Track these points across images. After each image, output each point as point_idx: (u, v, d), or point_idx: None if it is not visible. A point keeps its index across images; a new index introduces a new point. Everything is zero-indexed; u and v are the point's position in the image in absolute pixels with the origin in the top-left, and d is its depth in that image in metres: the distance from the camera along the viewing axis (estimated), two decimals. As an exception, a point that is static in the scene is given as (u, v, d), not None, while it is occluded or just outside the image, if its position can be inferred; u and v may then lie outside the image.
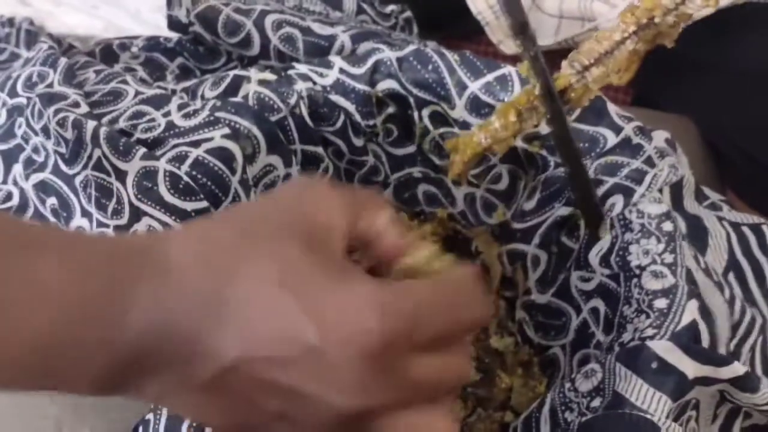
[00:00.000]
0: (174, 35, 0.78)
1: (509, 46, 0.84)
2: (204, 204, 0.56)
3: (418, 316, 0.34)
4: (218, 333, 0.32)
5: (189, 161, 0.57)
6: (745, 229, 0.70)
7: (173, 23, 0.76)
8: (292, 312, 0.32)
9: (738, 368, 0.52)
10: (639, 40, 0.54)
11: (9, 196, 0.67)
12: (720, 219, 0.71)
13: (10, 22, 0.84)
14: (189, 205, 0.55)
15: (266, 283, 0.33)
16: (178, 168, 0.56)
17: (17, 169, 0.67)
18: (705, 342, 0.55)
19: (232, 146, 0.59)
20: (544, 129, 0.65)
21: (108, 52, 0.79)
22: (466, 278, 0.37)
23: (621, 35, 0.55)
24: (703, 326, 0.55)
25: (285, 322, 0.32)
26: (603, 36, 0.56)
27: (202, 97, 0.66)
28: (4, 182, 0.68)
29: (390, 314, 0.33)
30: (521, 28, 0.55)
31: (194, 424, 0.46)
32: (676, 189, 0.67)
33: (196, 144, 0.59)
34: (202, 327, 0.32)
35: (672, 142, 0.66)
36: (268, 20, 0.70)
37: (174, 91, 0.67)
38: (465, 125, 0.68)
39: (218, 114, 0.61)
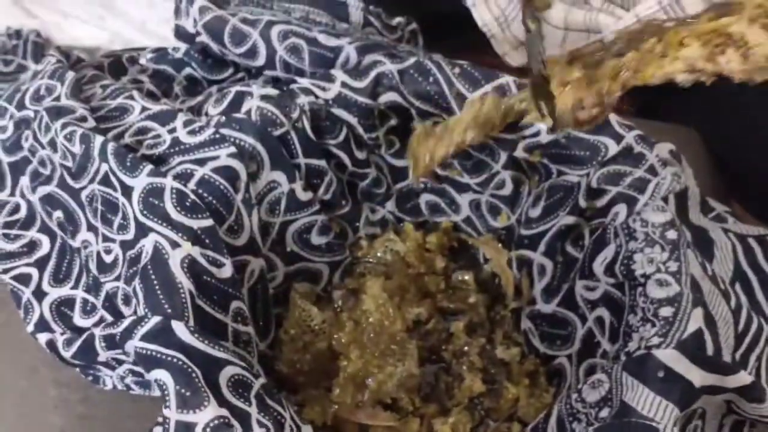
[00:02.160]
0: (182, 46, 0.78)
1: (514, 58, 0.84)
2: (209, 222, 0.56)
3: None
4: None
5: (195, 179, 0.58)
6: (751, 241, 0.70)
7: (180, 33, 0.77)
8: None
9: (744, 377, 0.52)
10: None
11: (17, 209, 0.68)
12: (725, 231, 0.71)
13: (18, 34, 0.84)
14: (195, 223, 0.55)
15: None
16: (185, 185, 0.57)
17: (24, 181, 0.68)
18: (709, 350, 0.55)
19: (237, 165, 0.59)
20: (545, 138, 0.65)
21: (116, 66, 0.79)
22: None
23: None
24: (707, 334, 0.55)
25: None
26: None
27: (206, 114, 0.67)
28: (12, 194, 0.68)
29: None
30: None
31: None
32: (681, 200, 0.66)
33: (202, 162, 0.59)
34: None
35: (677, 153, 0.66)
36: (275, 31, 0.70)
37: (179, 109, 0.67)
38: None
39: (223, 131, 0.61)
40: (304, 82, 0.66)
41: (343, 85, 0.66)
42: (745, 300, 0.66)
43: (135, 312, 0.54)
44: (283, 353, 0.62)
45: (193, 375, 0.48)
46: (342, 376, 0.60)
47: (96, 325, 0.59)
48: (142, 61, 0.79)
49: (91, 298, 0.62)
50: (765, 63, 0.45)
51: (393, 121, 0.68)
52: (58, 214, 0.64)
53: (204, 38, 0.74)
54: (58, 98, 0.66)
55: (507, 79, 0.65)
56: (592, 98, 0.51)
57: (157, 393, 0.59)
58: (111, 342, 0.53)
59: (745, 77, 0.45)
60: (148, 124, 0.63)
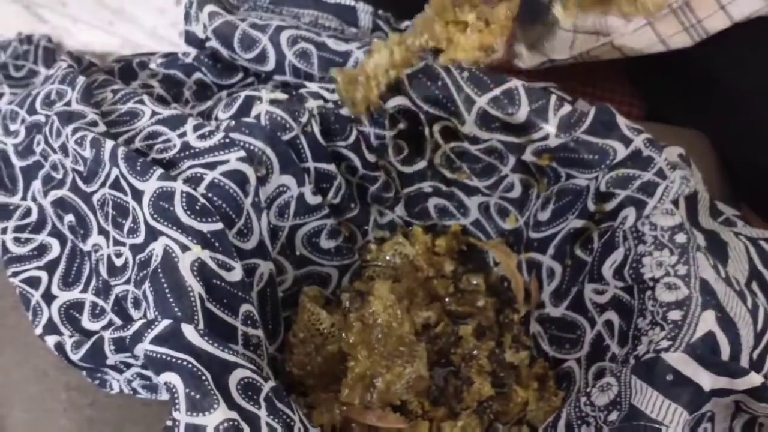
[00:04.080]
0: (192, 51, 0.79)
1: (523, 60, 0.84)
2: (219, 225, 0.56)
3: None
4: None
5: (205, 183, 0.58)
6: (763, 243, 0.70)
7: (190, 38, 0.77)
8: None
9: (755, 379, 0.52)
10: None
11: (28, 212, 0.68)
12: (736, 234, 0.70)
13: (29, 39, 0.85)
14: (205, 227, 0.56)
15: None
16: (195, 189, 0.57)
17: (36, 185, 0.68)
18: (725, 352, 0.55)
19: (246, 169, 0.60)
20: (553, 142, 0.65)
21: (127, 70, 0.80)
22: None
23: None
24: (722, 336, 0.55)
25: None
26: None
27: (216, 118, 0.67)
28: (24, 198, 0.69)
29: None
30: None
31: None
32: (691, 203, 0.66)
33: (211, 166, 0.59)
34: None
35: (686, 157, 0.66)
36: (284, 36, 0.70)
37: (189, 114, 0.67)
38: (475, 140, 0.68)
39: (233, 135, 0.61)
40: (313, 86, 0.66)
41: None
42: (762, 299, 0.66)
43: (145, 315, 0.54)
44: (294, 355, 0.63)
45: (203, 378, 0.48)
46: (350, 376, 0.60)
47: (105, 328, 0.59)
48: (153, 65, 0.80)
49: (100, 302, 0.62)
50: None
51: (402, 125, 0.68)
52: (69, 218, 0.64)
53: (214, 43, 0.74)
54: (68, 103, 0.67)
55: (516, 84, 0.65)
56: (496, 39, 0.54)
57: (164, 397, 0.59)
58: (120, 345, 0.53)
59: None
60: (159, 129, 0.64)
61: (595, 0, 0.54)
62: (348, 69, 0.65)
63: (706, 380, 0.52)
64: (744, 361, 0.57)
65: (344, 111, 0.65)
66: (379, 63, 0.61)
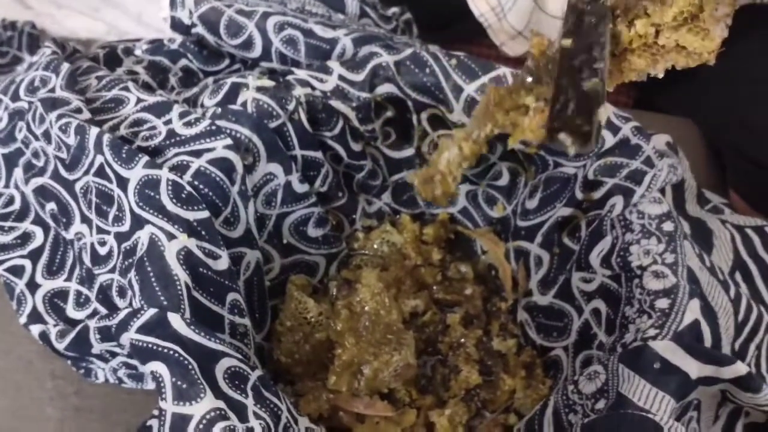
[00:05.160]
0: (177, 37, 0.78)
1: (511, 47, 0.84)
2: (206, 214, 0.56)
3: None
4: None
5: (191, 171, 0.58)
6: (749, 231, 0.70)
7: (176, 24, 0.76)
8: None
9: (740, 368, 0.52)
10: None
11: (11, 201, 0.67)
12: (723, 222, 0.71)
13: (12, 25, 0.84)
14: (191, 215, 0.55)
15: None
16: (181, 177, 0.56)
17: (18, 173, 0.68)
18: (707, 341, 0.55)
19: (233, 157, 0.59)
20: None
21: (112, 57, 0.79)
22: None
23: None
24: (705, 325, 0.55)
25: None
26: None
27: (202, 105, 0.66)
28: (6, 186, 0.68)
29: None
30: None
31: (200, 428, 0.47)
32: (678, 191, 0.67)
33: (197, 153, 0.59)
34: None
35: (673, 145, 0.66)
36: (270, 22, 0.70)
37: (175, 101, 0.67)
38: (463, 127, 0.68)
39: (219, 123, 0.61)
40: (301, 73, 0.66)
41: (341, 78, 0.65)
42: (746, 289, 0.66)
43: (130, 304, 0.54)
44: (282, 343, 0.62)
45: (189, 367, 0.48)
46: (337, 364, 0.60)
47: (90, 317, 0.59)
48: (138, 52, 0.79)
49: (84, 290, 0.62)
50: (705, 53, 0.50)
51: (390, 113, 0.68)
52: (51, 206, 0.64)
53: (200, 30, 0.73)
54: (53, 90, 0.66)
55: (504, 71, 0.65)
56: None
57: (150, 386, 0.59)
58: (106, 334, 0.53)
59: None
60: (144, 116, 0.63)
61: (635, 62, 0.53)
62: (422, 171, 0.64)
63: (694, 368, 0.52)
64: (725, 352, 0.57)
65: (333, 102, 0.65)
66: (451, 160, 0.61)
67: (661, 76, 0.52)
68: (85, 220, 0.61)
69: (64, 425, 0.58)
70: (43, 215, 0.65)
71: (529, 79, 0.54)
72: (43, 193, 0.64)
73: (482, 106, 0.57)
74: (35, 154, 0.66)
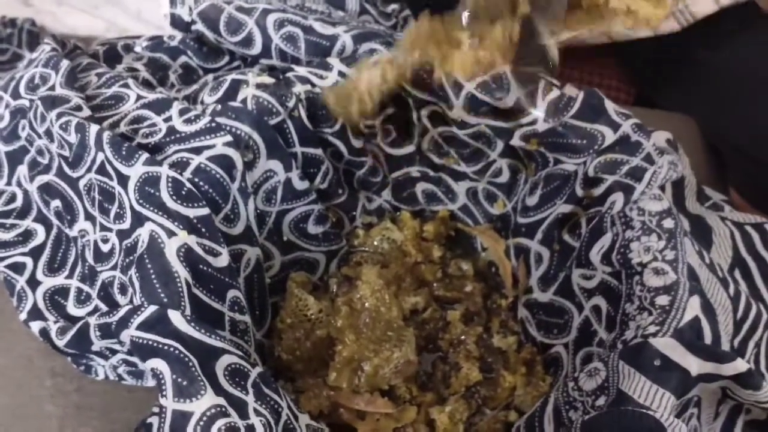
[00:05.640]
0: (177, 34, 0.78)
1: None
2: (206, 211, 0.56)
3: None
4: None
5: (191, 168, 0.58)
6: (749, 228, 0.70)
7: (175, 21, 0.76)
8: None
9: (741, 365, 0.52)
10: None
11: (13, 198, 0.67)
12: (722, 219, 0.71)
13: (12, 22, 0.84)
14: (191, 212, 0.55)
15: None
16: (181, 174, 0.56)
17: (22, 170, 0.67)
18: (707, 338, 0.55)
19: (233, 154, 0.59)
20: (542, 127, 0.65)
21: (112, 54, 0.79)
22: None
23: None
24: (705, 322, 0.55)
25: None
26: None
27: (202, 102, 0.66)
28: (9, 183, 0.68)
29: None
30: None
31: (197, 430, 0.47)
32: (678, 188, 0.66)
33: (197, 150, 0.59)
34: None
35: (673, 142, 0.66)
36: (270, 19, 0.70)
37: (175, 98, 0.67)
38: (463, 125, 0.68)
39: (219, 120, 0.61)
40: (301, 70, 0.66)
41: (341, 74, 0.65)
42: (745, 287, 0.66)
43: (131, 301, 0.54)
44: (283, 340, 0.62)
45: (190, 364, 0.48)
46: (337, 360, 0.60)
47: (90, 314, 0.59)
48: (138, 49, 0.79)
49: (85, 288, 0.62)
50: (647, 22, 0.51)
51: (390, 110, 0.67)
52: (56, 203, 0.64)
53: (199, 27, 0.73)
54: (52, 87, 0.66)
55: (504, 69, 0.64)
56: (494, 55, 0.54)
57: (149, 383, 0.59)
58: (106, 331, 0.53)
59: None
60: (144, 113, 0.63)
61: (582, 18, 0.53)
62: (337, 87, 0.64)
63: (694, 365, 0.52)
64: (725, 349, 0.57)
65: None
66: (371, 81, 0.61)
67: (593, 37, 0.53)
68: (89, 217, 0.61)
69: (64, 422, 0.58)
70: (46, 213, 0.65)
71: (466, 14, 0.54)
72: (48, 190, 0.64)
73: (412, 33, 0.57)
74: (40, 152, 0.66)
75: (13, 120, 0.69)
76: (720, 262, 0.67)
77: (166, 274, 0.52)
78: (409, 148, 0.71)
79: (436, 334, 0.67)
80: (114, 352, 0.57)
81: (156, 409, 0.48)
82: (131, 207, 0.56)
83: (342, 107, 0.63)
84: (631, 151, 0.63)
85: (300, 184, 0.64)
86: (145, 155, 0.57)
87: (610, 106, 0.65)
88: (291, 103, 0.62)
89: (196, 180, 0.57)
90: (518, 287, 0.70)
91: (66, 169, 0.63)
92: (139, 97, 0.65)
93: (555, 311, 0.66)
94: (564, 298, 0.66)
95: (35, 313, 0.61)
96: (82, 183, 0.61)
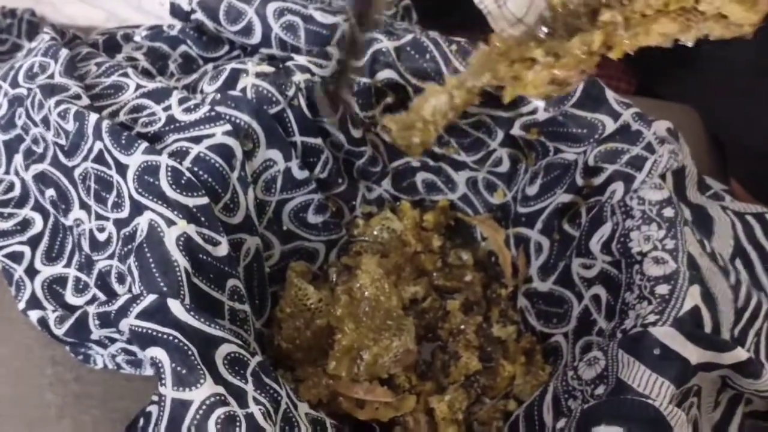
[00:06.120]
0: (177, 23, 0.78)
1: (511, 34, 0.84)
2: (205, 200, 0.56)
3: None
4: None
5: (190, 157, 0.57)
6: (749, 218, 0.70)
7: (175, 10, 0.76)
8: None
9: (740, 354, 0.52)
10: None
11: (11, 187, 0.67)
12: (723, 208, 0.71)
13: (12, 12, 0.83)
14: (190, 201, 0.55)
15: None
16: (180, 163, 0.56)
17: (18, 159, 0.67)
18: (707, 327, 0.55)
19: (232, 143, 0.59)
20: (542, 116, 0.65)
21: (111, 43, 0.79)
22: None
23: None
24: (705, 311, 0.55)
25: None
26: None
27: (201, 91, 0.66)
28: (6, 172, 0.68)
29: None
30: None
31: (196, 419, 0.47)
32: (679, 178, 0.66)
33: (197, 140, 0.59)
34: None
35: (674, 131, 0.66)
36: (270, 8, 0.69)
37: (175, 87, 0.67)
38: (463, 114, 0.68)
39: (218, 108, 0.61)
40: (301, 59, 0.65)
41: (340, 63, 0.65)
42: (745, 276, 0.66)
43: (129, 290, 0.54)
44: (283, 329, 0.62)
45: (189, 353, 0.48)
46: (337, 348, 0.60)
47: (88, 303, 0.59)
48: (137, 38, 0.79)
49: (83, 277, 0.62)
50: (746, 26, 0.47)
51: (390, 99, 0.67)
52: (51, 192, 0.64)
53: (199, 16, 0.73)
54: (51, 76, 0.66)
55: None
56: (569, 73, 0.51)
57: (148, 372, 0.59)
58: (105, 320, 0.53)
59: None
60: (143, 102, 0.63)
61: (667, 25, 0.50)
62: (400, 117, 0.64)
63: (693, 354, 0.52)
64: (725, 338, 0.57)
65: (332, 89, 0.65)
66: (438, 108, 0.60)
67: (690, 44, 0.50)
68: (84, 206, 0.61)
69: (63, 411, 0.58)
70: (42, 202, 0.65)
71: (544, 31, 0.52)
72: (42, 179, 0.64)
73: (483, 54, 0.55)
74: (35, 141, 0.66)
75: (10, 108, 0.69)
76: (721, 251, 0.67)
77: (165, 263, 0.52)
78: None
79: (435, 323, 0.67)
80: (113, 340, 0.57)
81: (155, 398, 0.48)
82: (130, 196, 0.55)
83: (404, 137, 0.62)
84: (632, 140, 0.63)
85: (300, 174, 0.64)
86: (145, 144, 0.57)
87: (610, 95, 0.65)
88: (291, 92, 0.62)
89: (196, 169, 0.57)
90: (518, 277, 0.70)
91: (61, 157, 0.62)
92: (138, 87, 0.65)
93: (555, 301, 0.66)
94: (564, 288, 0.66)
95: (34, 302, 0.61)
96: (77, 172, 0.61)
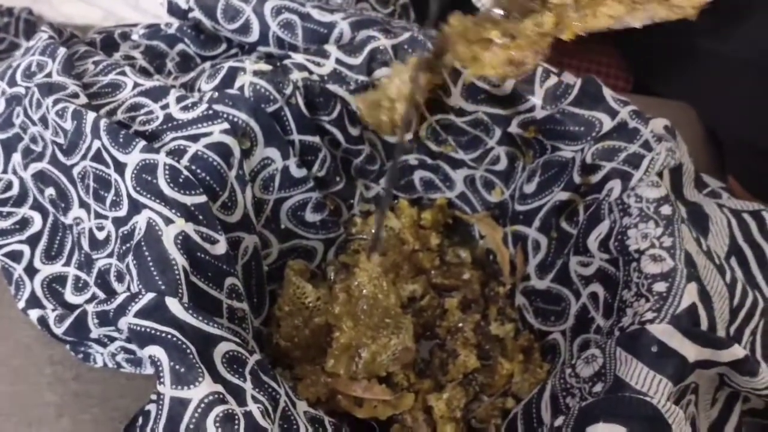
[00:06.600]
0: (174, 22, 0.78)
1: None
2: (203, 198, 0.56)
3: None
4: None
5: (188, 155, 0.57)
6: (746, 216, 0.70)
7: (173, 9, 0.76)
8: None
9: (738, 351, 0.52)
10: None
11: (9, 186, 0.67)
12: (720, 206, 0.71)
13: (9, 11, 0.84)
14: (188, 199, 0.55)
15: None
16: (178, 162, 0.56)
17: (16, 158, 0.67)
18: (704, 325, 0.55)
19: (230, 141, 0.59)
20: (540, 114, 0.65)
21: (109, 41, 0.78)
22: None
23: None
24: (702, 309, 0.55)
25: None
26: None
27: (199, 90, 0.66)
28: (5, 171, 0.68)
29: None
30: None
31: (195, 417, 0.47)
32: (676, 175, 0.66)
33: (195, 138, 0.59)
34: None
35: (671, 129, 0.66)
36: (267, 6, 0.69)
37: (172, 86, 0.67)
38: (461, 112, 0.68)
39: (216, 107, 0.61)
40: (299, 57, 0.65)
41: (338, 61, 0.65)
42: (741, 274, 0.66)
43: (128, 289, 0.54)
44: (281, 328, 0.63)
45: (188, 351, 0.48)
46: (335, 346, 0.60)
47: (88, 302, 0.59)
48: (135, 37, 0.79)
49: (83, 275, 0.62)
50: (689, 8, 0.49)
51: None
52: (50, 191, 0.64)
53: (197, 14, 0.73)
54: (49, 74, 0.66)
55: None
56: (525, 53, 0.52)
57: (148, 371, 0.59)
58: (104, 319, 0.53)
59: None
60: (141, 101, 0.63)
61: (614, 6, 0.51)
62: (369, 94, 0.64)
63: (691, 352, 0.52)
64: (721, 336, 0.57)
65: (331, 86, 0.65)
66: (401, 86, 0.60)
67: (638, 26, 0.51)
68: (83, 205, 0.61)
69: (63, 410, 0.58)
70: (42, 200, 0.65)
71: (499, 13, 0.53)
72: (41, 178, 0.64)
73: (442, 34, 0.56)
74: (33, 139, 0.66)
75: (8, 107, 0.69)
76: (717, 249, 0.67)
77: (163, 262, 0.52)
78: (407, 136, 0.71)
79: (433, 321, 0.67)
80: (112, 339, 0.57)
81: (154, 397, 0.48)
82: (128, 194, 0.55)
83: (373, 115, 0.63)
84: (629, 138, 0.63)
85: (297, 172, 0.64)
86: (142, 143, 0.57)
87: (608, 93, 0.65)
88: (288, 91, 0.62)
89: (194, 167, 0.57)
90: (516, 275, 0.70)
91: (60, 156, 0.62)
92: (136, 85, 0.65)
93: (552, 298, 0.66)
94: (561, 286, 0.66)
95: (33, 301, 0.61)
96: (76, 170, 0.61)
